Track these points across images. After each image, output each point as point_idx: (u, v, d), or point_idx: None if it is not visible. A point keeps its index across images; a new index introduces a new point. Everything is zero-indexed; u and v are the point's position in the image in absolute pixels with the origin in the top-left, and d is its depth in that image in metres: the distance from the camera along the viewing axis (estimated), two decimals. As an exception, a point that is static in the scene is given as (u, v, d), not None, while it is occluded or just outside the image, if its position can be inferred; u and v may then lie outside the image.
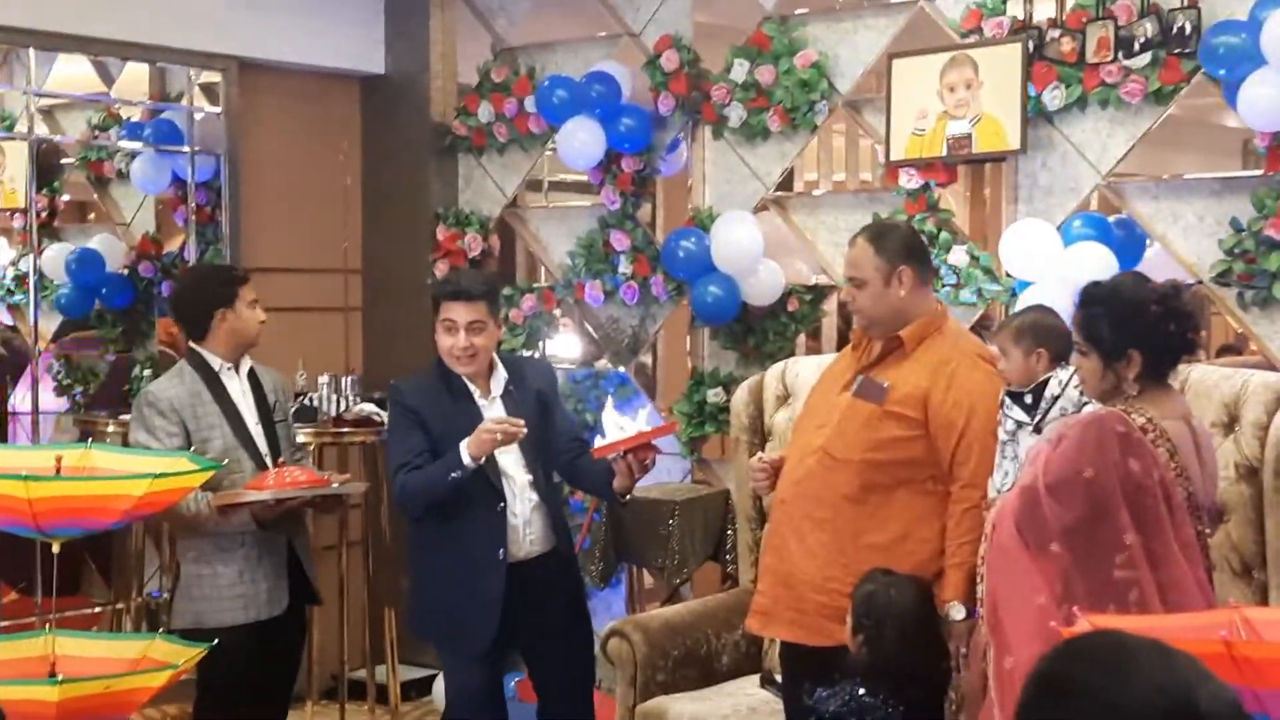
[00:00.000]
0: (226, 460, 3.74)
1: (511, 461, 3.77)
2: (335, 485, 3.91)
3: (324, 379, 5.39)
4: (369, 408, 5.34)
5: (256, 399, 3.99)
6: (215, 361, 3.94)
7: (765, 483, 3.64)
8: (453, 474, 3.62)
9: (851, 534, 3.40)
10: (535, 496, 3.78)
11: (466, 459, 3.61)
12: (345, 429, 5.28)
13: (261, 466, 3.90)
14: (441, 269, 5.86)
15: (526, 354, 5.68)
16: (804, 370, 4.29)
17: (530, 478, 3.78)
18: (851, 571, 3.36)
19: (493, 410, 3.78)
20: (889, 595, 3.21)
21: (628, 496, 3.78)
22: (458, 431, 3.67)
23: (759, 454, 3.76)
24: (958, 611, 3.22)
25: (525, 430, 3.63)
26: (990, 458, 3.25)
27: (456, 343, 3.70)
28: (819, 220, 5.16)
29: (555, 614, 3.84)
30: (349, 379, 5.44)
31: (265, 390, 4.03)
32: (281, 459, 4.00)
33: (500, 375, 3.82)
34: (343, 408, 5.35)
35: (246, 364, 4.01)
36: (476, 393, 3.78)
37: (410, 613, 3.98)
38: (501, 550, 3.70)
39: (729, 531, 4.92)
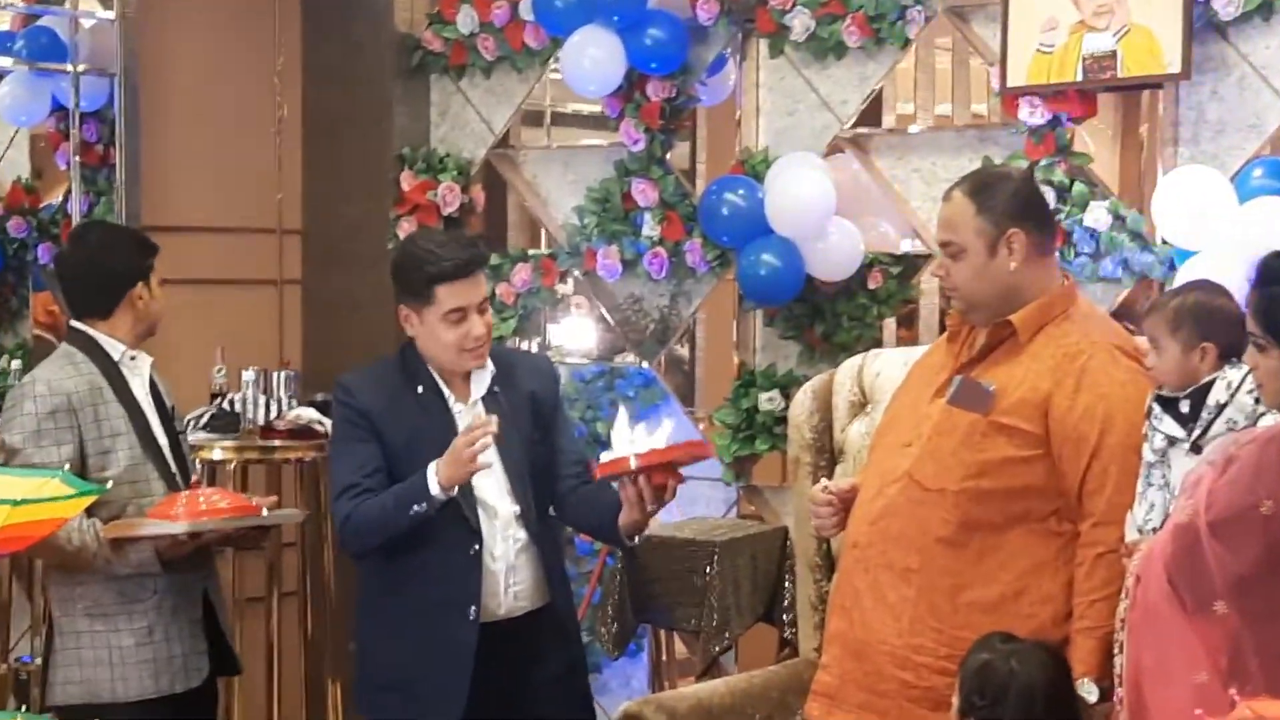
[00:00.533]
0: (112, 484, 3.70)
1: (492, 486, 3.75)
2: (265, 514, 3.93)
3: (249, 375, 5.35)
4: (309, 413, 5.31)
5: (158, 406, 4.02)
6: (115, 349, 3.95)
7: (831, 521, 3.64)
8: (415, 507, 3.62)
9: (947, 589, 3.40)
10: (523, 534, 3.79)
11: (435, 488, 3.60)
12: (277, 441, 5.27)
13: (172, 488, 3.92)
14: (407, 229, 5.83)
15: (520, 346, 5.69)
16: (888, 367, 4.30)
17: (517, 509, 3.78)
18: (947, 640, 3.37)
19: (469, 415, 3.78)
20: (1010, 667, 3.21)
21: (637, 538, 3.77)
22: (425, 446, 3.68)
23: (823, 481, 3.74)
24: (1090, 692, 3.22)
25: (495, 429, 3.59)
26: (1132, 484, 3.24)
27: (471, 332, 3.72)
28: (912, 166, 5.14)
29: (545, 691, 3.84)
30: (282, 375, 5.41)
31: (162, 392, 4.06)
32: (196, 477, 4.05)
33: (484, 372, 3.84)
34: (274, 413, 5.32)
35: (148, 358, 4.03)
36: (451, 395, 3.80)
37: (356, 684, 3.98)
38: (473, 608, 3.70)
39: (786, 584, 4.92)
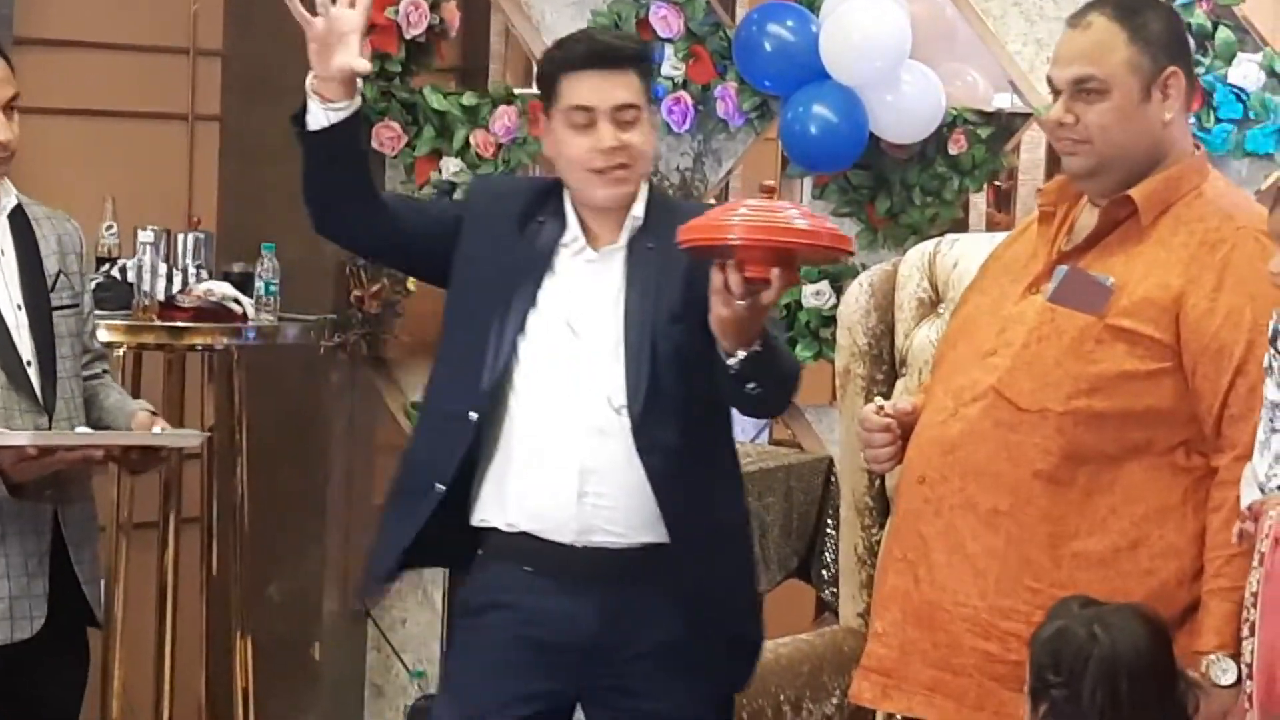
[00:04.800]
0: None
1: (579, 351, 3.62)
2: (157, 430, 3.92)
3: (146, 235, 5.32)
4: (223, 289, 5.31)
5: (22, 263, 3.93)
6: None
7: (886, 450, 3.62)
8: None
9: (1046, 538, 3.40)
10: (617, 428, 3.59)
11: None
12: (182, 323, 5.25)
13: (22, 383, 3.86)
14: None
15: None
16: (969, 256, 4.28)
17: (622, 400, 3.60)
18: (1044, 602, 3.32)
19: (601, 269, 3.68)
20: (1092, 636, 3.14)
21: (739, 357, 3.41)
22: (492, 280, 3.66)
23: (877, 400, 3.74)
24: (1223, 671, 3.21)
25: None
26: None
27: (599, 142, 3.63)
28: (1011, -1, 5.23)
29: (634, 668, 3.66)
30: (191, 237, 5.41)
31: (42, 250, 3.97)
32: (97, 384, 4.04)
33: (634, 214, 3.71)
34: (178, 286, 5.29)
35: (8, 201, 3.94)
36: (574, 237, 3.71)
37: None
38: (438, 485, 3.65)
39: (828, 530, 5.05)
